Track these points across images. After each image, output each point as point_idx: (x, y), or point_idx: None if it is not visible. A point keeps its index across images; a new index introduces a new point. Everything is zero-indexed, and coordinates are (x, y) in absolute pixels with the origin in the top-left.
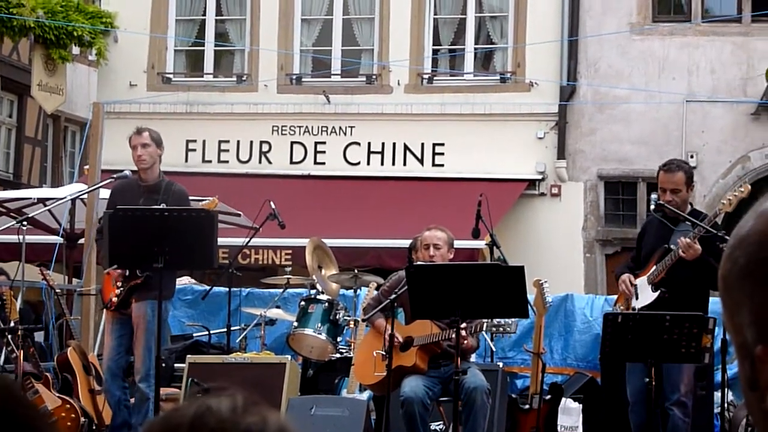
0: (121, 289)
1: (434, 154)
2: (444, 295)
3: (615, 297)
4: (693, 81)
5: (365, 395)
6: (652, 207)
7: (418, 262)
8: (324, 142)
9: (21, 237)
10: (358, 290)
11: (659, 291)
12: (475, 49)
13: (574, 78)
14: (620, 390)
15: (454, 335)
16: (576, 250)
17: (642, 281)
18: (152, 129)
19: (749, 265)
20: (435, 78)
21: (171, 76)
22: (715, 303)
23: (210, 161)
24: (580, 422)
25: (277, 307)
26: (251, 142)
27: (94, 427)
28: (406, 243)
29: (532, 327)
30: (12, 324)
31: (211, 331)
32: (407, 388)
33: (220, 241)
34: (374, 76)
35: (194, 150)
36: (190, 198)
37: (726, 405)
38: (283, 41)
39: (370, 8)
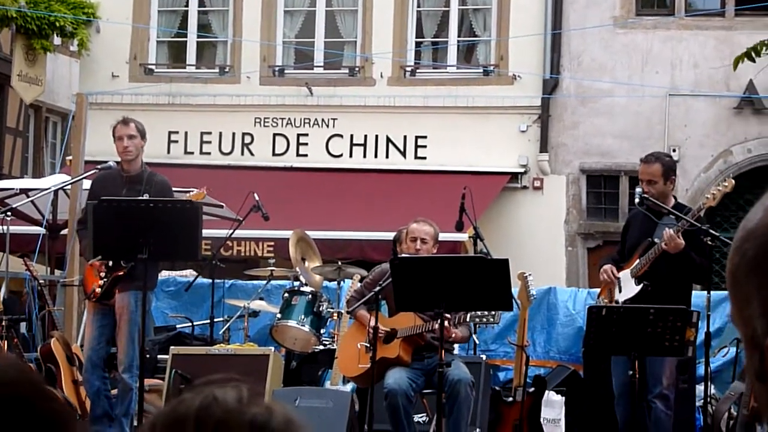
0: (105, 279)
1: (417, 146)
2: (428, 288)
3: (598, 290)
4: (676, 75)
5: (349, 387)
6: (637, 200)
7: (403, 255)
8: (306, 134)
9: (5, 228)
10: (342, 282)
11: (642, 284)
12: (459, 41)
13: (557, 71)
14: (603, 383)
15: (437, 327)
16: (558, 244)
17: (625, 274)
18: (137, 120)
19: (757, 258)
20: (418, 71)
21: (153, 67)
22: (697, 297)
23: (192, 153)
24: (563, 415)
25: (261, 298)
26: (233, 134)
27: (77, 418)
28: (388, 235)
29: (514, 320)
30: None
31: (195, 323)
32: (391, 380)
33: (203, 232)
34: (357, 69)
35: (176, 141)
36: (177, 189)
37: (708, 398)
38: (266, 33)
39: (353, 0)
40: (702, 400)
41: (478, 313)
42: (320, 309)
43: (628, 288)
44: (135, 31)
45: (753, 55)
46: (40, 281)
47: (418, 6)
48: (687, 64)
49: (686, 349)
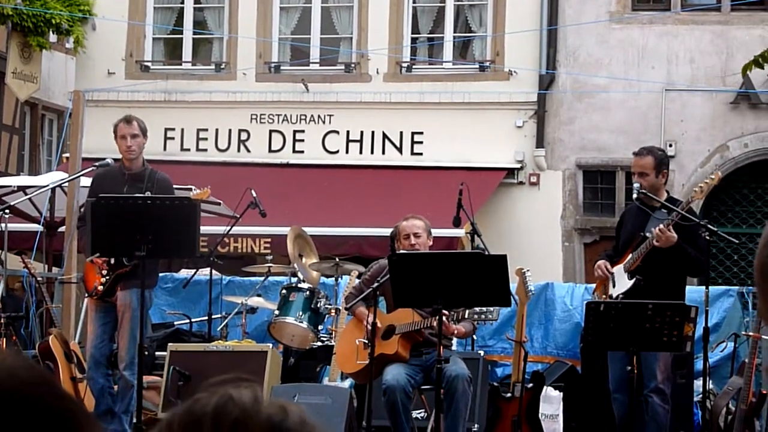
0: (107, 277)
1: (413, 142)
2: (426, 284)
3: (594, 286)
4: (672, 70)
5: (347, 383)
6: (635, 195)
7: (401, 251)
8: (303, 131)
9: (3, 225)
10: (339, 278)
11: (635, 278)
12: (454, 37)
13: (553, 67)
14: (600, 378)
15: (435, 323)
16: (554, 239)
17: (619, 269)
18: (139, 118)
19: None
20: (414, 66)
21: (149, 64)
22: (696, 292)
23: (188, 149)
24: (561, 410)
25: (258, 295)
26: (230, 131)
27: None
28: (385, 231)
29: (512, 316)
30: None
31: (192, 320)
32: (389, 376)
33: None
34: (353, 65)
35: (173, 138)
36: (177, 186)
37: (707, 394)
38: (262, 29)
39: None
40: (700, 396)
41: (477, 310)
42: (318, 305)
43: (622, 283)
44: (131, 28)
45: (761, 61)
46: (38, 278)
47: (414, 2)
48: (683, 59)
49: (684, 344)
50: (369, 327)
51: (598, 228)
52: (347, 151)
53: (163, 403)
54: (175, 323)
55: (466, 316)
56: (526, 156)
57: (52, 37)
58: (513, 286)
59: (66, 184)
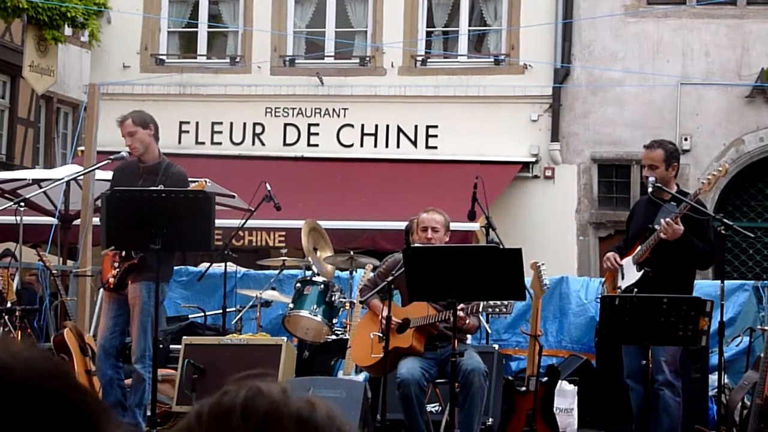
0: (118, 269)
1: (428, 136)
2: (441, 277)
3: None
4: (687, 64)
5: (361, 377)
6: (650, 189)
7: (416, 244)
8: (317, 124)
9: (18, 218)
10: (354, 272)
11: (643, 270)
12: (469, 31)
13: (568, 60)
14: (615, 372)
15: (451, 317)
16: (569, 233)
17: (627, 261)
18: (135, 112)
19: None
20: (429, 60)
21: (164, 57)
22: (711, 286)
23: (203, 143)
24: (576, 404)
25: (273, 288)
26: (244, 124)
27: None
28: (399, 225)
29: (526, 310)
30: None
31: (207, 313)
32: (404, 370)
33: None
34: (368, 58)
35: (187, 132)
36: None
37: (722, 388)
38: (277, 23)
39: None
40: (715, 390)
41: (491, 303)
42: (332, 299)
43: (630, 275)
44: (146, 22)
45: None
46: (53, 271)
47: None
48: (698, 52)
49: (699, 338)
50: (384, 320)
51: (612, 222)
52: (362, 145)
53: (177, 396)
54: (190, 316)
55: (481, 309)
56: (540, 150)
57: (68, 31)
58: (528, 279)
59: (81, 177)
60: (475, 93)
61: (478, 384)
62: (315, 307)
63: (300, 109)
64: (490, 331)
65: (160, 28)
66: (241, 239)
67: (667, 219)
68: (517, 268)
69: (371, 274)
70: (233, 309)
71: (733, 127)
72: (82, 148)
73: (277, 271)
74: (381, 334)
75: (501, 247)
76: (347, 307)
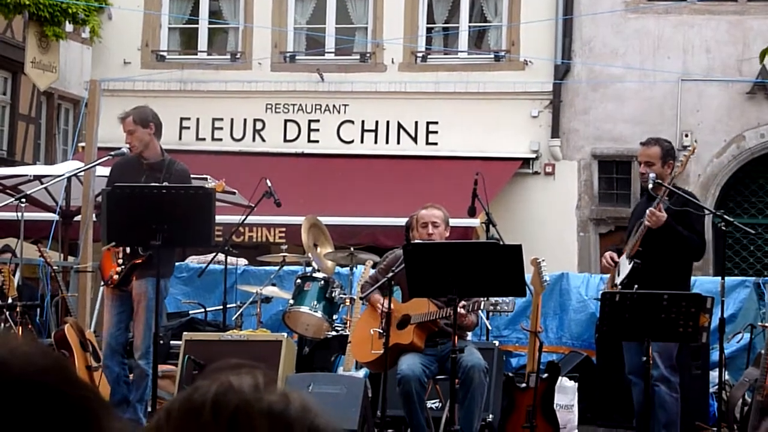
0: (123, 266)
1: (428, 132)
2: (441, 274)
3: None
4: (688, 60)
5: (362, 373)
6: (650, 185)
7: (416, 241)
8: (318, 120)
9: (20, 214)
10: (354, 268)
11: (633, 262)
12: (470, 27)
13: (569, 56)
14: (616, 369)
15: (451, 313)
16: (570, 229)
17: (623, 257)
18: (137, 109)
19: None
20: (429, 56)
21: (165, 53)
22: (711, 282)
23: (204, 139)
24: (576, 401)
25: (273, 284)
26: (245, 120)
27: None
28: (399, 221)
29: (527, 306)
30: (10, 301)
31: (207, 309)
32: (404, 366)
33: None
34: (368, 54)
35: (188, 128)
36: (195, 177)
37: (722, 385)
38: (277, 19)
39: None
40: (716, 387)
41: (493, 302)
42: (333, 295)
43: (624, 269)
44: (147, 18)
45: None
46: (54, 267)
47: None
48: (699, 49)
49: (700, 335)
50: (384, 317)
51: (613, 218)
52: (362, 141)
53: (177, 392)
54: (190, 312)
55: (482, 306)
56: (541, 146)
57: (69, 27)
58: (528, 276)
59: (82, 173)
60: (475, 89)
61: (478, 380)
62: (315, 303)
63: (300, 105)
64: (490, 328)
65: (161, 25)
66: (241, 235)
67: (650, 208)
68: (518, 265)
69: (372, 271)
70: (234, 305)
71: (733, 124)
72: (83, 144)
73: (277, 268)
74: (381, 331)
75: (501, 243)
76: (347, 304)
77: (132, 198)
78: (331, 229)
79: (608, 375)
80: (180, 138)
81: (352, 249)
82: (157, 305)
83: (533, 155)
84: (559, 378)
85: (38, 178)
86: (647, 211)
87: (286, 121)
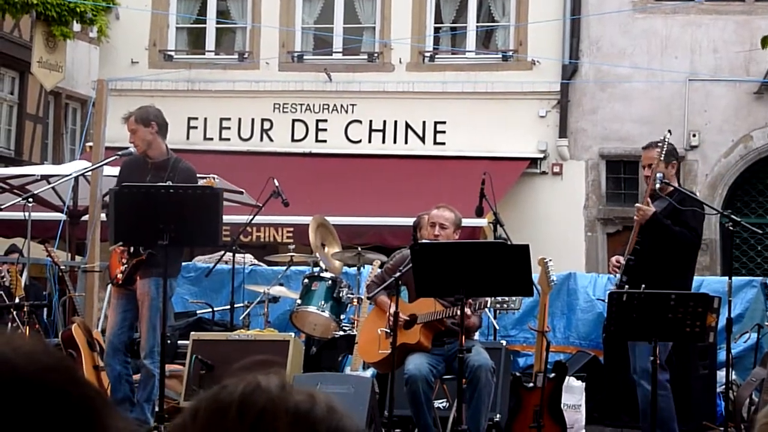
0: (126, 265)
1: (435, 132)
2: (448, 273)
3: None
4: (695, 60)
5: (369, 373)
6: (657, 185)
7: (423, 241)
8: (325, 120)
9: (27, 214)
10: (362, 268)
11: (627, 259)
12: (477, 27)
13: (576, 56)
14: (623, 368)
15: (458, 313)
16: (577, 229)
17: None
18: (141, 108)
19: None
20: (436, 56)
21: (172, 53)
22: (717, 282)
23: (211, 139)
24: (583, 400)
25: (281, 284)
26: (252, 120)
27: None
28: (406, 221)
29: (534, 306)
30: (17, 300)
31: (215, 309)
32: (411, 366)
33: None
34: (376, 54)
35: (196, 127)
36: (201, 176)
37: (730, 384)
38: (285, 19)
39: None
40: (723, 386)
41: (499, 299)
42: (340, 295)
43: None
44: (154, 18)
45: None
46: (61, 267)
47: None
48: (706, 48)
49: (707, 335)
50: (391, 316)
51: (620, 218)
52: (370, 141)
53: (185, 391)
54: (198, 312)
55: (488, 305)
56: (549, 146)
57: (76, 27)
58: (535, 276)
59: (89, 173)
60: (483, 89)
61: (485, 380)
62: (323, 302)
63: (308, 105)
64: (497, 327)
65: (169, 24)
66: (249, 235)
67: (637, 204)
68: (525, 264)
69: (379, 271)
70: (241, 305)
71: (741, 123)
72: (91, 143)
73: (284, 267)
74: (388, 330)
75: (509, 243)
76: (355, 303)
77: (139, 197)
78: (339, 229)
79: (615, 375)
80: (188, 138)
81: (359, 249)
82: (164, 305)
83: (541, 155)
84: (567, 378)
85: (45, 177)
86: (635, 206)
87: (293, 120)
